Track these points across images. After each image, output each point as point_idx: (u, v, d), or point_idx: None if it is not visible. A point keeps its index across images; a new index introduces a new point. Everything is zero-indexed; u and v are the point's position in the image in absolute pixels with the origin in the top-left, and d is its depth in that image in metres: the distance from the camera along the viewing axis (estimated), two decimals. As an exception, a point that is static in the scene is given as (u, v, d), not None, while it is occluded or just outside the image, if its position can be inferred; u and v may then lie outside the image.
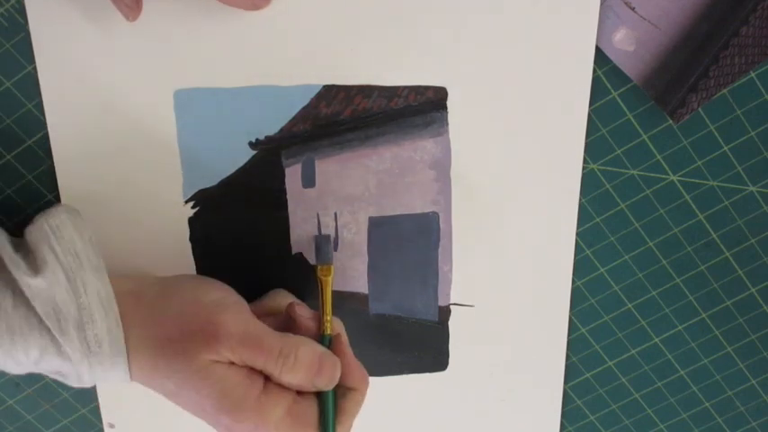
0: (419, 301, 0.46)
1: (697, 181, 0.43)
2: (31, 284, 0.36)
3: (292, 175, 0.43)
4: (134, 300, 0.39)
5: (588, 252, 0.45)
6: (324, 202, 0.44)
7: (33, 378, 0.48)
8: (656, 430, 0.50)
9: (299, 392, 0.38)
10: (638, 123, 0.42)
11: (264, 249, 0.45)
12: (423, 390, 0.48)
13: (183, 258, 0.45)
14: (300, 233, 0.44)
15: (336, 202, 0.44)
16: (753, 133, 0.42)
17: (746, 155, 0.43)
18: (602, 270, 0.45)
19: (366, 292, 0.46)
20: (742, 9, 0.39)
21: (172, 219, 0.44)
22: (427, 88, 0.41)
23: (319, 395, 0.38)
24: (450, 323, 0.46)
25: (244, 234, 0.44)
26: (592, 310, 0.46)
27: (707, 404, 0.49)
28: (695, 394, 0.48)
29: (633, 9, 0.39)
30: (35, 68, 0.41)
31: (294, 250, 0.45)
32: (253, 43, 0.40)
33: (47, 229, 0.37)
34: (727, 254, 0.45)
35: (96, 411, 0.49)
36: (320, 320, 0.40)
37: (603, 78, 0.41)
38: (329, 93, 0.41)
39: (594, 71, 0.41)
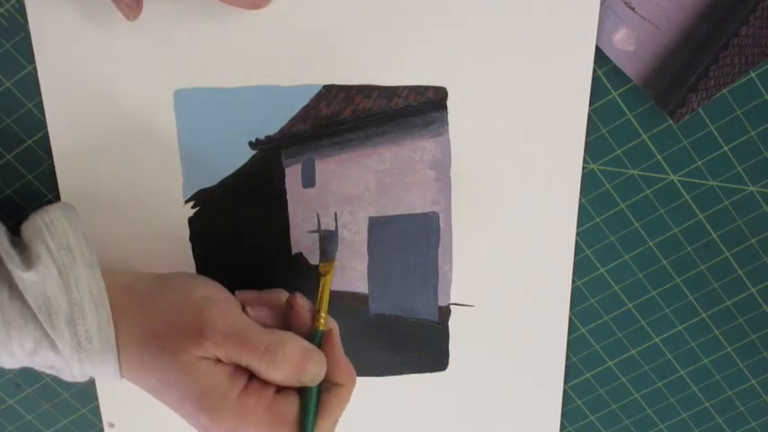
0: (419, 301, 0.46)
1: (697, 181, 0.43)
2: (24, 278, 0.36)
3: (292, 175, 0.43)
4: (126, 295, 0.39)
5: (588, 252, 0.45)
6: (324, 202, 0.44)
7: (33, 378, 0.48)
8: (656, 430, 0.50)
9: (281, 388, 0.38)
10: (638, 123, 0.42)
11: (264, 249, 0.45)
12: (423, 390, 0.48)
13: (183, 258, 0.45)
14: (300, 233, 0.44)
15: (336, 202, 0.44)
16: (753, 133, 0.42)
17: (746, 155, 0.43)
18: (602, 270, 0.45)
19: (366, 292, 0.46)
20: (742, 9, 0.39)
21: (172, 219, 0.44)
22: (427, 88, 0.41)
23: (301, 391, 0.38)
24: (450, 323, 0.46)
25: (244, 234, 0.44)
26: (592, 310, 0.46)
27: (707, 404, 0.49)
28: (695, 394, 0.48)
29: (633, 9, 0.39)
30: (35, 68, 0.41)
31: (294, 250, 0.45)
32: (253, 43, 0.40)
33: (41, 224, 0.38)
34: (727, 254, 0.45)
35: (96, 411, 0.49)
36: (315, 315, 0.40)
37: (603, 78, 0.41)
38: (329, 93, 0.41)
39: (594, 71, 0.41)
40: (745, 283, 0.46)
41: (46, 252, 0.37)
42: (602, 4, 0.39)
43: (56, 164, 0.43)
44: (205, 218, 0.44)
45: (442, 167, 0.43)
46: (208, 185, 0.43)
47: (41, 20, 0.40)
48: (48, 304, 0.36)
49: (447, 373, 0.48)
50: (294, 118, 0.42)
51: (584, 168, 0.43)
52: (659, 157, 0.43)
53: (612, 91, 0.41)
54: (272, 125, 0.42)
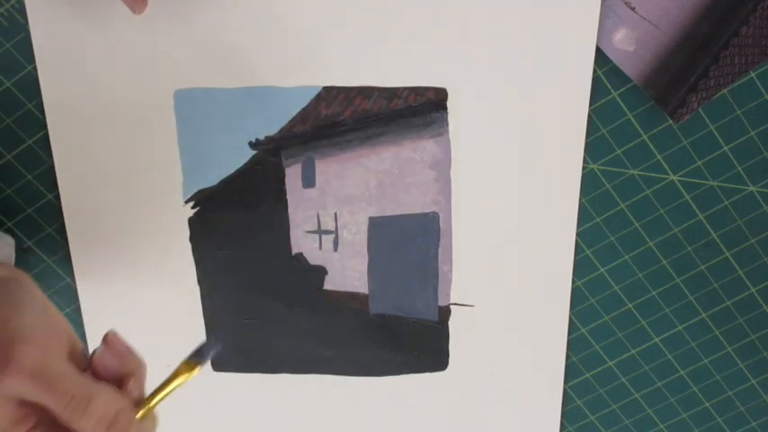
0: (419, 301, 0.46)
1: (697, 181, 0.43)
2: None
3: (292, 175, 0.43)
4: None
5: (588, 252, 0.45)
6: (324, 202, 0.44)
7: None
8: (656, 430, 0.50)
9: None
10: (638, 123, 0.42)
11: (264, 249, 0.45)
12: (423, 390, 0.48)
13: (182, 258, 0.45)
14: (300, 233, 0.44)
15: (336, 202, 0.44)
16: (753, 133, 0.42)
17: (746, 155, 0.42)
18: (602, 270, 0.45)
19: (366, 292, 0.46)
20: (742, 9, 0.39)
21: (172, 219, 0.44)
22: (427, 89, 0.41)
23: None
24: (450, 323, 0.46)
25: (244, 234, 0.44)
26: (592, 310, 0.46)
27: (707, 404, 0.49)
28: (695, 394, 0.48)
29: (633, 9, 0.39)
30: (35, 68, 0.41)
31: (294, 250, 0.45)
32: (253, 44, 0.40)
33: None
34: (727, 254, 0.45)
35: (96, 411, 0.49)
36: (141, 398, 0.36)
37: (603, 78, 0.41)
38: (329, 94, 0.41)
39: (594, 71, 0.41)
40: (745, 283, 0.46)
41: None
42: (602, 4, 0.39)
43: (56, 164, 0.43)
44: (205, 218, 0.44)
45: (441, 167, 0.43)
46: (208, 185, 0.43)
47: (41, 20, 0.40)
48: None
49: (447, 373, 0.48)
50: (294, 118, 0.42)
51: (584, 168, 0.43)
52: (659, 157, 0.43)
53: (612, 91, 0.41)
54: (272, 125, 0.42)
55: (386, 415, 0.49)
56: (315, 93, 0.41)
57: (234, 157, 0.43)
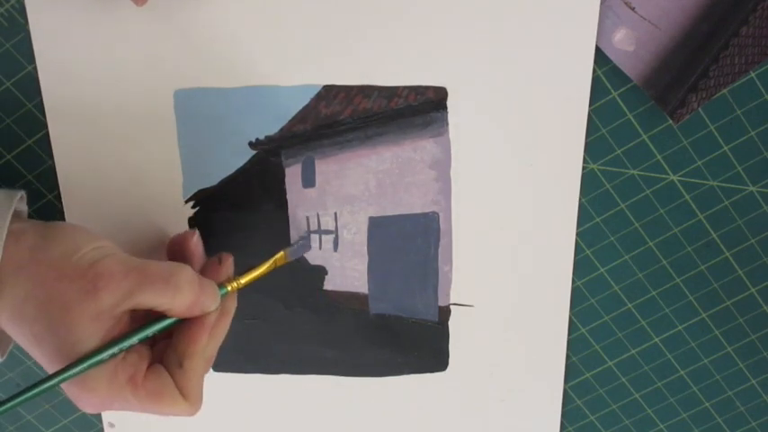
0: (419, 301, 0.46)
1: (697, 181, 0.43)
2: None
3: (292, 175, 0.43)
4: (13, 239, 0.36)
5: (588, 252, 0.45)
6: (324, 202, 0.44)
7: (34, 378, 0.48)
8: (656, 430, 0.50)
9: (151, 363, 0.37)
10: (638, 123, 0.42)
11: (264, 249, 0.44)
12: (423, 390, 0.48)
13: (183, 258, 0.45)
14: (300, 233, 0.44)
15: (336, 202, 0.44)
16: (753, 133, 0.42)
17: (746, 155, 0.43)
18: (602, 270, 0.45)
19: (366, 292, 0.46)
20: (742, 9, 0.39)
21: (172, 219, 0.44)
22: (427, 88, 0.41)
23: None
24: (450, 323, 0.46)
25: (244, 234, 0.44)
26: (592, 310, 0.46)
27: (707, 404, 0.49)
28: (695, 394, 0.48)
29: (633, 9, 0.39)
30: (35, 68, 0.41)
31: (294, 250, 0.45)
32: (253, 43, 0.40)
33: None
34: (727, 254, 0.45)
35: (96, 411, 0.49)
36: (228, 276, 0.40)
37: (603, 78, 0.41)
38: (329, 93, 0.41)
39: (594, 71, 0.41)
40: (745, 283, 0.46)
41: None
42: (602, 4, 0.39)
43: (56, 164, 0.43)
44: (205, 218, 0.44)
45: (442, 167, 0.43)
46: (208, 185, 0.43)
47: (41, 20, 0.40)
48: None
49: (447, 373, 0.48)
50: (294, 118, 0.42)
51: (584, 168, 0.43)
52: (659, 157, 0.43)
53: (612, 91, 0.41)
54: (272, 125, 0.42)
55: (386, 415, 0.49)
56: (315, 91, 0.41)
57: (234, 157, 0.43)
